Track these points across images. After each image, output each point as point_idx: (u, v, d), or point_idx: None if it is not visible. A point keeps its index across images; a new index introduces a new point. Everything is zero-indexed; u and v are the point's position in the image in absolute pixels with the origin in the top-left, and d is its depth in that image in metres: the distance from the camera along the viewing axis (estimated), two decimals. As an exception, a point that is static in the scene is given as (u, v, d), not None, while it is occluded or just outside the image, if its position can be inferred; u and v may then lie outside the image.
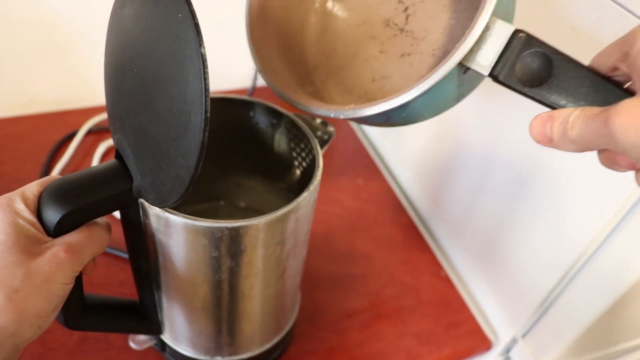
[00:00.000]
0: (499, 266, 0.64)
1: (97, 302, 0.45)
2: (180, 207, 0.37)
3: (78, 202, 0.35)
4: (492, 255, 0.65)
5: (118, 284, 0.62)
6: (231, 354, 0.52)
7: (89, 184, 0.36)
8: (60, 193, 0.35)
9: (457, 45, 0.33)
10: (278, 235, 0.41)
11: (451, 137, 0.69)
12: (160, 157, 0.33)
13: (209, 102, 0.29)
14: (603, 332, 0.56)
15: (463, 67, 0.34)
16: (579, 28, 0.45)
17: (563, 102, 0.31)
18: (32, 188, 0.35)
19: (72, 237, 0.35)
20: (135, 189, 0.37)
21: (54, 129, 0.80)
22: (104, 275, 0.63)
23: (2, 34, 0.76)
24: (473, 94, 0.42)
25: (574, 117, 0.28)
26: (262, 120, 0.51)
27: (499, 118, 0.59)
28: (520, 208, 0.58)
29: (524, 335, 0.62)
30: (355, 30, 0.48)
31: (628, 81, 0.30)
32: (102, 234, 0.38)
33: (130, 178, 0.37)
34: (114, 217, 0.64)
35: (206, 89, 0.29)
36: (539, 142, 0.31)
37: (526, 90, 0.33)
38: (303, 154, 0.50)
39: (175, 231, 0.39)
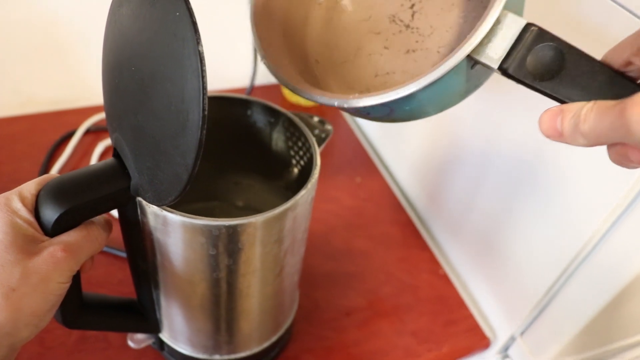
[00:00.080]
0: (497, 264, 0.64)
1: (95, 300, 0.45)
2: (177, 206, 0.37)
3: (75, 201, 0.35)
4: (490, 253, 0.65)
5: (117, 283, 0.63)
6: (229, 352, 0.52)
7: (87, 183, 0.36)
8: (57, 192, 0.35)
9: (468, 36, 0.33)
10: (276, 233, 0.41)
11: (448, 135, 0.69)
12: (158, 155, 0.33)
13: (206, 100, 0.29)
14: (601, 329, 0.56)
15: (471, 60, 0.34)
16: (585, 24, 0.45)
17: (574, 96, 0.31)
18: (30, 187, 0.35)
19: (69, 237, 0.35)
20: (132, 187, 0.37)
21: (52, 129, 0.80)
22: (103, 275, 0.63)
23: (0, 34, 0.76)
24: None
25: (587, 109, 0.28)
26: (259, 119, 0.51)
27: (496, 115, 0.59)
28: (518, 205, 0.58)
29: (522, 333, 0.62)
30: (359, 25, 0.48)
31: None
32: (100, 234, 0.38)
33: (128, 176, 0.37)
34: (112, 216, 0.64)
35: (204, 87, 0.29)
36: (548, 136, 0.30)
37: (536, 83, 0.32)
38: (301, 153, 0.50)
39: (173, 229, 0.39)
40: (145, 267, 0.45)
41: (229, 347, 0.51)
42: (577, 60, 0.31)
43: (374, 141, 0.91)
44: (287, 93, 0.96)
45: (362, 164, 0.86)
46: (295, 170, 0.52)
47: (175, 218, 0.38)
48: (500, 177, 0.60)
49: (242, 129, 0.52)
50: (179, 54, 0.29)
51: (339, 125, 0.93)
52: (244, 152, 0.54)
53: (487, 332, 0.66)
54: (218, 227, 0.38)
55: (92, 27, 0.69)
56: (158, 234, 0.40)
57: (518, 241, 0.59)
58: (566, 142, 0.29)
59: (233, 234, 0.39)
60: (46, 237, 0.35)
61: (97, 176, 0.36)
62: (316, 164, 0.44)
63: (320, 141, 0.49)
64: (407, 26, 0.45)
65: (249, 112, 0.51)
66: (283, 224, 0.41)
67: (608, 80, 0.30)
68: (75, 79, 0.84)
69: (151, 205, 0.38)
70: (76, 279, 0.39)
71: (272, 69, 0.41)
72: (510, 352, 0.64)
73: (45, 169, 0.74)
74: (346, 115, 0.95)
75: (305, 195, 0.42)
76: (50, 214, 0.34)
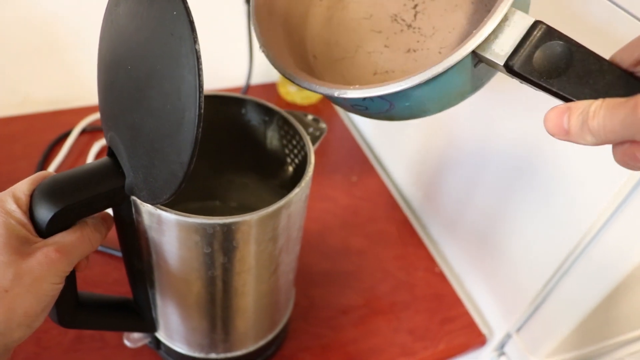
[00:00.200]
0: (492, 261, 0.64)
1: (90, 300, 0.45)
2: (172, 205, 0.37)
3: (70, 200, 0.35)
4: (485, 250, 0.65)
5: (112, 282, 0.63)
6: (226, 350, 0.52)
7: (81, 182, 0.36)
8: (51, 191, 0.35)
9: (474, 32, 0.33)
10: (270, 231, 0.42)
11: (444, 132, 0.69)
12: (154, 153, 0.33)
13: (202, 98, 0.29)
14: (597, 325, 0.56)
15: (476, 58, 0.34)
16: (591, 25, 0.45)
17: (581, 95, 0.31)
18: (23, 187, 0.35)
19: (63, 237, 0.35)
20: (127, 186, 0.37)
21: (48, 129, 0.80)
22: (98, 274, 0.63)
23: (-5, 34, 0.76)
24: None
25: (596, 107, 0.28)
26: (254, 118, 0.51)
27: (491, 113, 0.59)
28: (514, 202, 0.58)
29: (518, 330, 0.62)
30: (361, 23, 0.47)
31: None
32: (94, 234, 0.38)
33: (122, 175, 0.37)
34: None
35: (200, 85, 0.29)
36: (553, 134, 0.30)
37: (543, 81, 0.32)
38: (295, 151, 0.50)
39: (168, 228, 0.39)
40: (140, 266, 0.45)
41: (225, 346, 0.51)
42: (585, 59, 0.31)
43: (369, 140, 0.91)
44: (283, 92, 0.96)
45: (358, 162, 0.86)
46: (290, 168, 0.52)
47: (169, 216, 0.38)
48: (496, 174, 0.60)
49: (237, 128, 0.52)
50: (176, 52, 0.30)
51: (335, 124, 0.93)
52: (239, 150, 0.54)
53: (483, 329, 0.66)
54: (212, 226, 0.38)
55: (89, 27, 0.69)
56: (153, 233, 0.40)
57: (514, 238, 0.60)
58: (572, 141, 0.29)
59: (227, 232, 0.39)
60: (40, 239, 0.35)
61: (91, 175, 0.36)
62: (310, 162, 0.44)
63: (314, 139, 0.49)
64: (409, 26, 0.45)
65: (243, 111, 0.51)
66: (277, 222, 0.42)
67: (616, 79, 0.30)
68: (72, 79, 0.84)
69: (146, 204, 0.38)
70: (71, 278, 0.39)
71: (271, 57, 0.41)
72: (507, 349, 0.65)
73: (41, 169, 0.74)
74: (342, 114, 0.95)
75: (300, 193, 0.42)
76: (45, 214, 0.34)
